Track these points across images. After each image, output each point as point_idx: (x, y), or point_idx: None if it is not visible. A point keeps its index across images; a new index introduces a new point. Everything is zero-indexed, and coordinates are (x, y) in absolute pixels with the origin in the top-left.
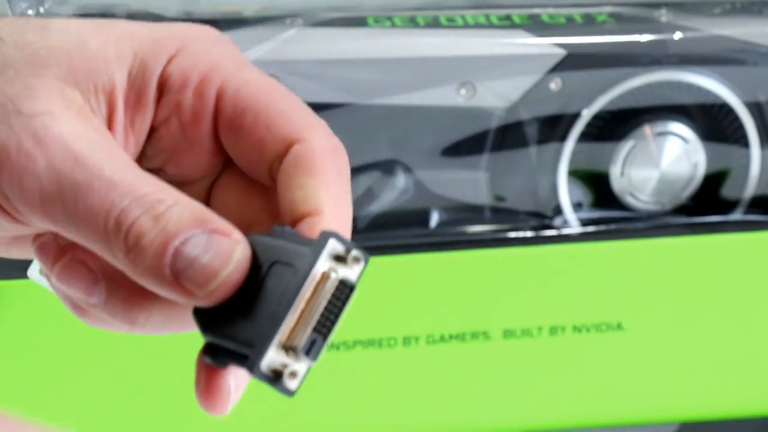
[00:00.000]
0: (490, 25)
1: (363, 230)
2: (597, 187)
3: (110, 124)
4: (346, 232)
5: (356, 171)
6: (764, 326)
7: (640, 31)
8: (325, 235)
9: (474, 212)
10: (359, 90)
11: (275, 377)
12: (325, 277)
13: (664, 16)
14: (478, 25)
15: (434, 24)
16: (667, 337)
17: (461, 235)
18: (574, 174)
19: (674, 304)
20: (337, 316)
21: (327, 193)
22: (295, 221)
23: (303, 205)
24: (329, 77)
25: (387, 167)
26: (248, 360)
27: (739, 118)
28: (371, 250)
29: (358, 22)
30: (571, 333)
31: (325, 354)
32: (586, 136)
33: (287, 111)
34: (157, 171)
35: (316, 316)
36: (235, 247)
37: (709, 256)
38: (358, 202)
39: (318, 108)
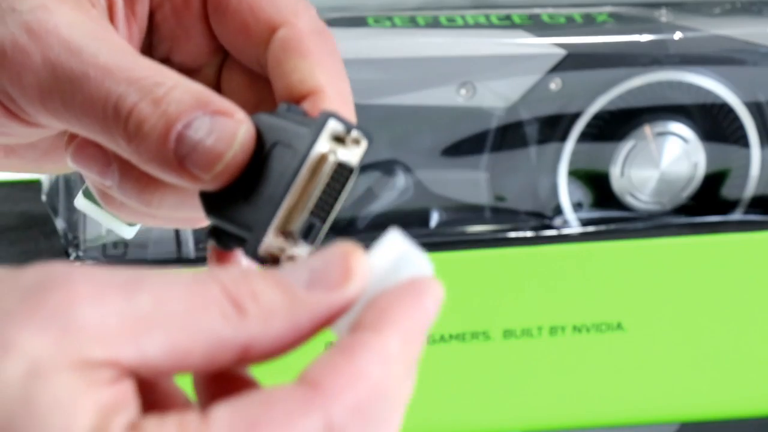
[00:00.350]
0: (490, 25)
1: (363, 230)
2: (597, 187)
3: (111, 14)
4: (349, 110)
5: None
6: (764, 326)
7: (640, 31)
8: (324, 115)
9: (474, 212)
10: (359, 90)
11: (273, 262)
12: (324, 158)
13: (664, 16)
14: (478, 25)
15: (434, 24)
16: (667, 337)
17: (461, 235)
18: (574, 174)
19: (674, 304)
20: (335, 199)
21: (323, 71)
22: (297, 103)
23: (300, 87)
24: None
25: (387, 167)
26: (246, 244)
27: (739, 118)
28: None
29: (358, 22)
30: (571, 333)
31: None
32: (586, 136)
33: None
34: (164, 61)
35: (314, 200)
36: (238, 128)
37: (709, 256)
38: (358, 202)
39: None
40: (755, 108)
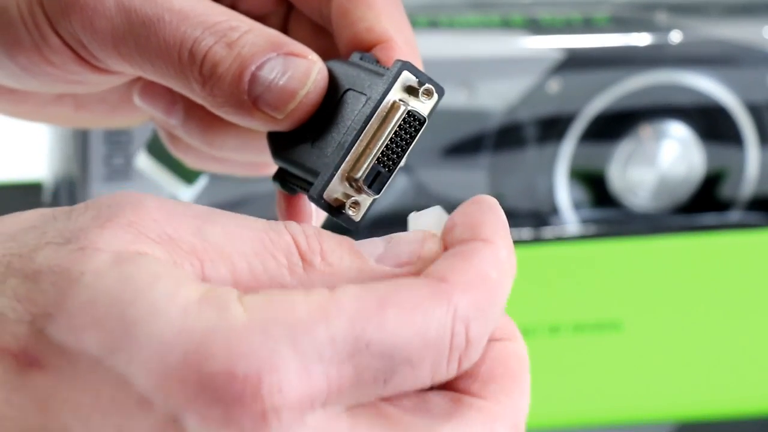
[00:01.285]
0: (490, 26)
1: (363, 230)
2: (596, 187)
3: None
4: (417, 59)
5: None
6: (762, 326)
7: (639, 33)
8: (399, 65)
9: None
10: None
11: (337, 207)
12: (396, 106)
13: (662, 17)
14: (477, 27)
15: (434, 24)
16: (666, 336)
17: None
18: (574, 174)
19: (672, 304)
20: (403, 149)
21: (390, 20)
22: (366, 51)
23: (368, 35)
24: None
25: None
26: (311, 188)
27: (737, 119)
28: None
29: None
30: (570, 332)
31: None
32: (585, 137)
33: None
34: (231, 8)
35: (382, 148)
36: (311, 67)
37: (706, 256)
38: None
39: None
40: (753, 109)
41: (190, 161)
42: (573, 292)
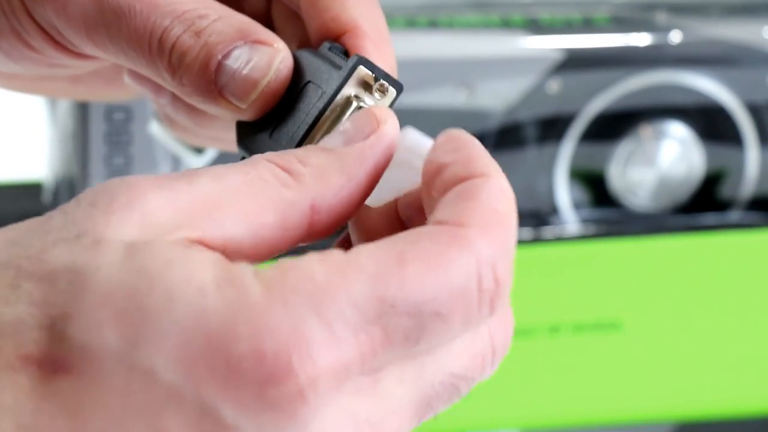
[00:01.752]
0: (490, 27)
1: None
2: (596, 187)
3: None
4: (385, 46)
5: None
6: (762, 326)
7: (638, 33)
8: (354, 60)
9: None
10: None
11: None
12: (349, 102)
13: (662, 17)
14: (477, 27)
15: (434, 24)
16: (666, 336)
17: None
18: (573, 174)
19: (672, 304)
20: None
21: (357, 8)
22: (335, 41)
23: (334, 24)
24: None
25: None
26: None
27: (737, 119)
28: None
29: None
30: (570, 332)
31: None
32: (584, 137)
33: None
34: None
35: None
36: (275, 56)
37: (706, 256)
38: None
39: None
40: (752, 109)
41: (185, 137)
42: (573, 292)
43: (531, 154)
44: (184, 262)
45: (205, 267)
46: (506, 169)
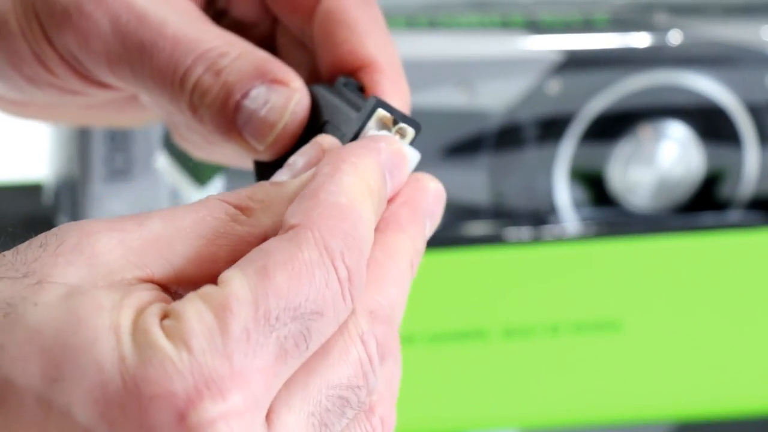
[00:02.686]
0: (490, 27)
1: None
2: (595, 187)
3: None
4: (401, 81)
5: None
6: (762, 326)
7: (638, 33)
8: (373, 103)
9: (473, 212)
10: None
11: None
12: None
13: (662, 18)
14: (477, 27)
15: (434, 24)
16: (666, 336)
17: (460, 234)
18: (573, 174)
19: (672, 304)
20: None
21: (373, 42)
22: (350, 75)
23: (351, 59)
24: None
25: None
26: None
27: (737, 119)
28: None
29: None
30: (569, 332)
31: None
32: (584, 137)
33: None
34: (222, 13)
35: None
36: (291, 96)
37: (706, 256)
38: None
39: None
40: (752, 109)
41: (198, 154)
42: (573, 292)
43: (530, 154)
44: (115, 308)
45: (128, 316)
46: (506, 169)
